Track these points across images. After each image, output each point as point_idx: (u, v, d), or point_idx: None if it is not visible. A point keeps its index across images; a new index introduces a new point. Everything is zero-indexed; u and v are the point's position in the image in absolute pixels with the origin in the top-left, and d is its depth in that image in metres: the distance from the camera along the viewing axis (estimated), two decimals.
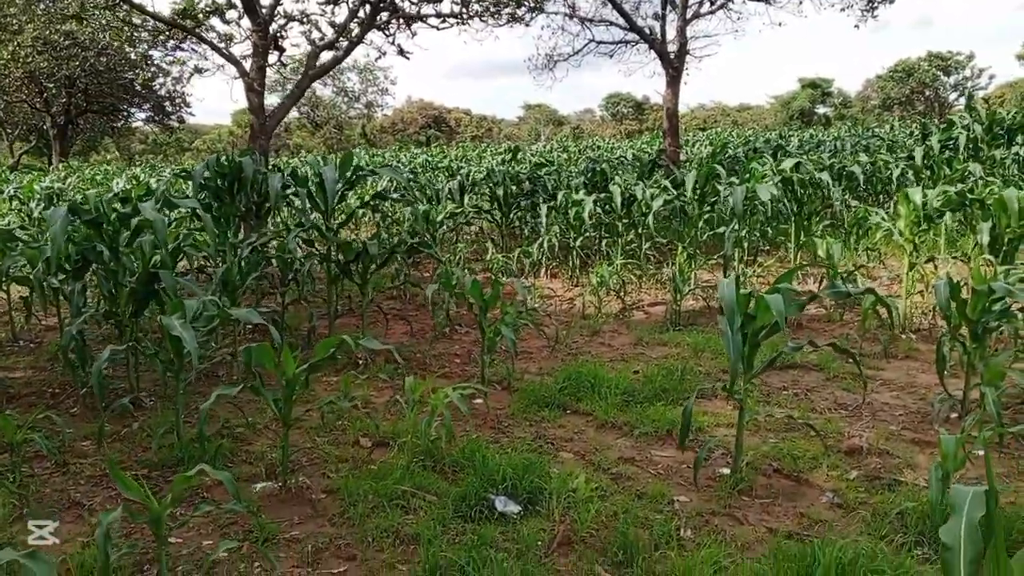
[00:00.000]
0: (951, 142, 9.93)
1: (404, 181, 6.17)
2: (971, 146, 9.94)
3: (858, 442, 3.91)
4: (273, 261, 5.94)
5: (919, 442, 3.98)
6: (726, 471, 3.68)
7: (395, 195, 7.14)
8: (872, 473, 3.63)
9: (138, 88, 29.59)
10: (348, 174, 5.41)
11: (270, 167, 7.69)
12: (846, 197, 8.44)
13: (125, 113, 32.98)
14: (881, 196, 10.42)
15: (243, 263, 5.53)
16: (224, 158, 6.36)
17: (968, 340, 4.07)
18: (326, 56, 10.09)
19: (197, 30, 9.40)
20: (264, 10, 9.21)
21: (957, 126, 10.25)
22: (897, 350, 5.48)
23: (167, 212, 5.95)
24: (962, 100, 43.91)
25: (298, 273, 5.94)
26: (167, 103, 30.90)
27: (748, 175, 7.32)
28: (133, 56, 26.84)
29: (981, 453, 3.78)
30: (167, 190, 7.08)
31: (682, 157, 15.57)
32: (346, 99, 58.79)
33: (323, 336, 6.12)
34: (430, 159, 19.25)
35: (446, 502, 3.41)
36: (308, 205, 5.48)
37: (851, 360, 3.50)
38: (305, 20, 10.55)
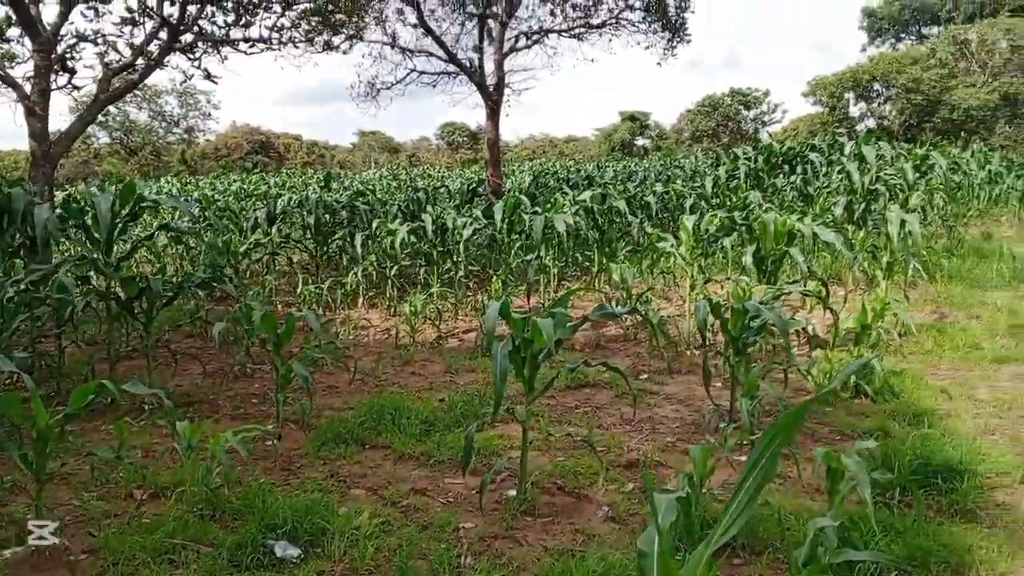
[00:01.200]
0: (736, 172, 10.94)
1: (189, 212, 5.85)
2: (752, 176, 11.00)
3: (636, 455, 4.15)
4: (48, 300, 5.44)
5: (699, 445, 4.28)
6: (513, 493, 3.77)
7: (184, 227, 6.74)
8: (646, 485, 3.86)
9: None
10: (129, 205, 5.06)
11: (47, 198, 7.05)
12: (643, 224, 9.05)
13: None
14: (677, 223, 11.28)
15: (9, 303, 5.01)
16: None
17: (732, 355, 4.45)
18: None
19: None
20: (48, 29, 8.49)
21: (740, 158, 11.32)
22: (681, 365, 5.89)
23: None
24: (763, 133, 48.66)
25: (74, 313, 5.46)
26: None
27: (550, 205, 7.68)
28: None
29: (743, 459, 4.15)
30: None
31: (508, 186, 16.05)
32: (164, 124, 55.41)
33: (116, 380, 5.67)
34: (245, 186, 18.48)
35: (221, 552, 3.24)
36: (84, 239, 5.06)
37: (624, 378, 3.71)
38: (100, 41, 9.85)
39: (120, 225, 5.12)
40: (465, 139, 62.80)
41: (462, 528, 3.46)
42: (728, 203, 9.26)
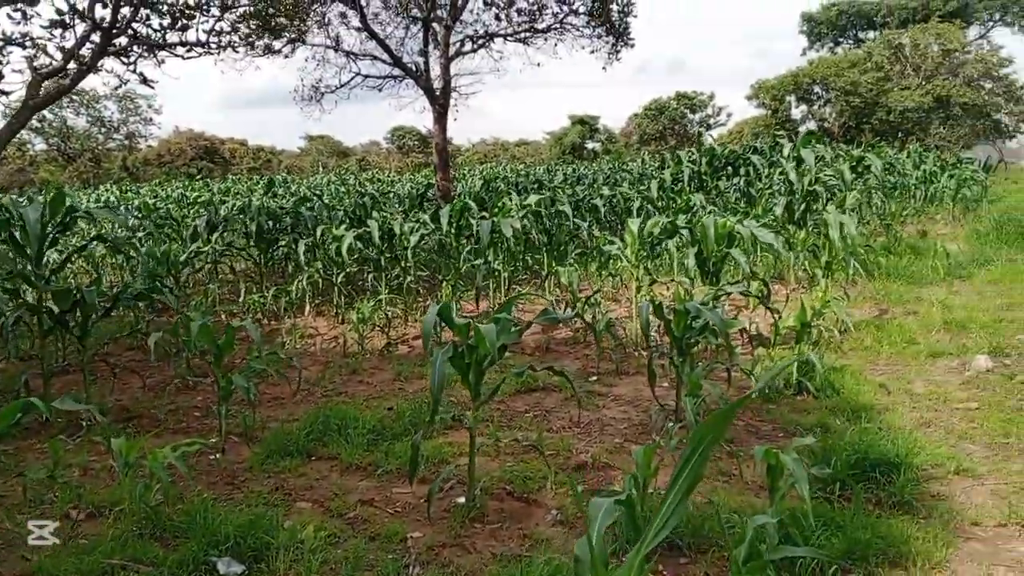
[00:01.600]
0: (681, 175, 11.12)
1: (123, 222, 5.68)
2: (696, 179, 11.19)
3: (584, 458, 4.17)
4: None
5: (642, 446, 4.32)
6: (462, 500, 3.75)
7: (119, 237, 6.54)
8: (594, 486, 3.88)
9: None
10: (60, 216, 4.88)
11: None
12: (591, 228, 9.12)
13: None
14: (624, 226, 11.41)
15: None
16: None
17: (676, 355, 4.51)
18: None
19: None
20: None
21: (684, 161, 11.51)
22: (629, 367, 5.95)
23: None
24: (707, 136, 49.50)
25: (5, 327, 5.26)
26: None
27: (498, 210, 7.68)
28: None
29: None
30: None
31: (459, 190, 15.99)
32: (103, 130, 53.74)
33: (52, 396, 5.46)
34: (187, 194, 18.04)
35: (163, 571, 3.15)
36: (13, 250, 4.87)
37: (569, 382, 3.73)
38: (29, 44, 9.50)
39: (51, 236, 4.94)
40: (416, 143, 62.45)
41: (410, 538, 3.43)
42: (672, 206, 9.39)
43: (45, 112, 51.48)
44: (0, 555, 3.43)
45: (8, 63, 9.28)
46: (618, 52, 15.45)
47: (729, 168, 12.51)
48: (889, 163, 15.84)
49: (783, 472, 2.83)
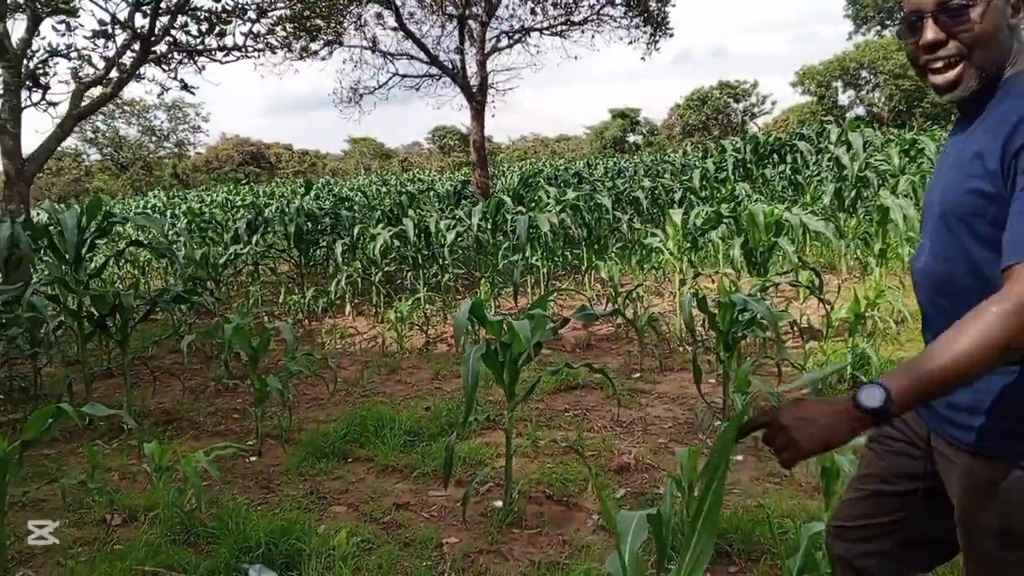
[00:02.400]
0: (724, 164, 10.81)
1: (159, 228, 5.71)
2: (741, 167, 10.87)
3: (627, 459, 4.00)
4: (21, 321, 5.28)
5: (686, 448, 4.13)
6: (499, 503, 3.62)
7: (155, 241, 6.59)
8: (637, 489, 3.71)
9: None
10: (96, 222, 4.90)
11: (22, 217, 6.89)
12: (632, 221, 8.90)
13: None
14: (665, 218, 11.13)
15: None
16: None
17: (722, 350, 4.31)
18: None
19: None
20: (16, 45, 8.33)
21: (728, 150, 11.19)
22: (673, 363, 5.75)
23: None
24: (752, 125, 48.54)
25: (48, 333, 5.31)
26: None
27: (534, 204, 7.53)
28: None
29: (740, 458, 4.00)
30: None
31: (498, 187, 15.90)
32: (154, 138, 55.33)
33: (94, 400, 5.52)
34: (230, 198, 18.31)
35: None
36: (53, 257, 4.91)
37: (608, 379, 3.57)
38: (74, 55, 9.69)
39: (88, 241, 4.97)
40: (456, 142, 62.65)
41: (445, 544, 3.31)
42: (716, 196, 9.12)
43: (99, 123, 53.16)
44: (37, 560, 3.42)
45: (55, 75, 9.49)
46: (657, 42, 15.15)
47: (775, 155, 12.15)
48: (943, 146, 15.18)
49: (838, 474, 2.64)
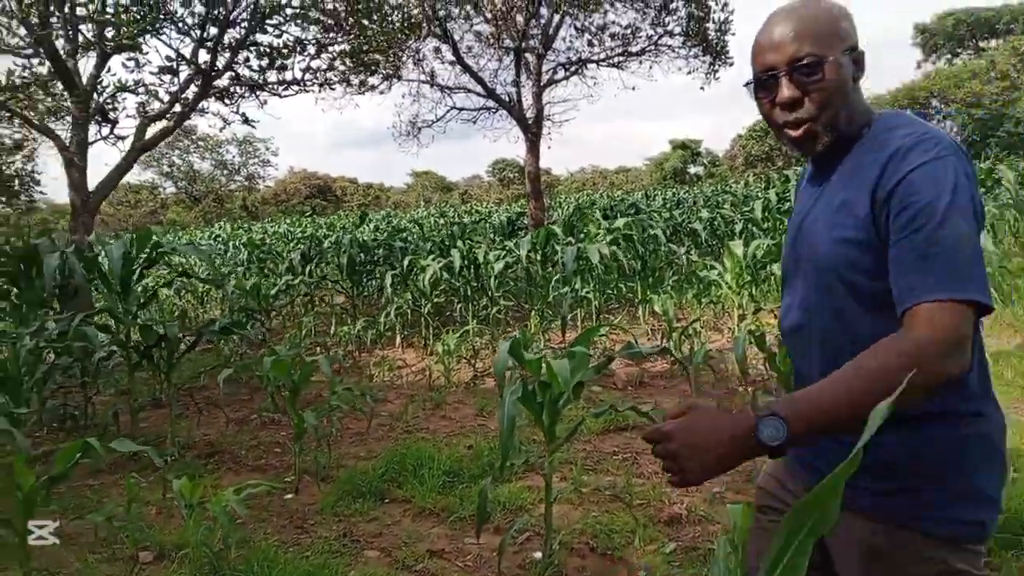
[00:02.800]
0: (787, 195, 10.42)
1: (207, 259, 5.73)
2: None
3: (678, 509, 3.73)
4: (72, 350, 5.34)
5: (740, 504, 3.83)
6: (538, 555, 3.39)
7: (207, 273, 6.63)
8: (689, 544, 3.43)
9: None
10: (145, 252, 4.93)
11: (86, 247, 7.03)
12: (689, 252, 8.59)
13: None
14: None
15: (31, 354, 4.91)
16: (21, 240, 5.78)
17: (783, 392, 4.01)
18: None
19: (9, 102, 8.69)
20: (84, 80, 8.64)
21: (791, 180, 10.80)
22: (732, 404, 5.43)
23: None
24: None
25: (99, 363, 5.35)
26: (14, 182, 28.77)
27: (584, 235, 7.34)
28: None
29: None
30: None
31: (554, 218, 15.77)
32: (226, 172, 57.53)
33: (140, 430, 5.52)
34: (291, 229, 18.65)
35: None
36: (103, 287, 4.95)
37: (653, 422, 3.32)
38: (142, 91, 10.02)
39: (138, 272, 4.99)
40: (516, 174, 63.03)
41: None
42: (779, 227, 8.76)
43: (175, 157, 55.43)
44: None
45: (124, 109, 9.82)
46: (716, 71, 14.90)
47: None
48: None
49: None
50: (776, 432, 1.18)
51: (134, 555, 3.73)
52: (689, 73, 15.31)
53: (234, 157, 56.59)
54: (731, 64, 14.78)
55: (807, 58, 1.38)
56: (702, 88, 15.49)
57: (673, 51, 14.84)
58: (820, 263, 1.43)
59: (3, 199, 29.69)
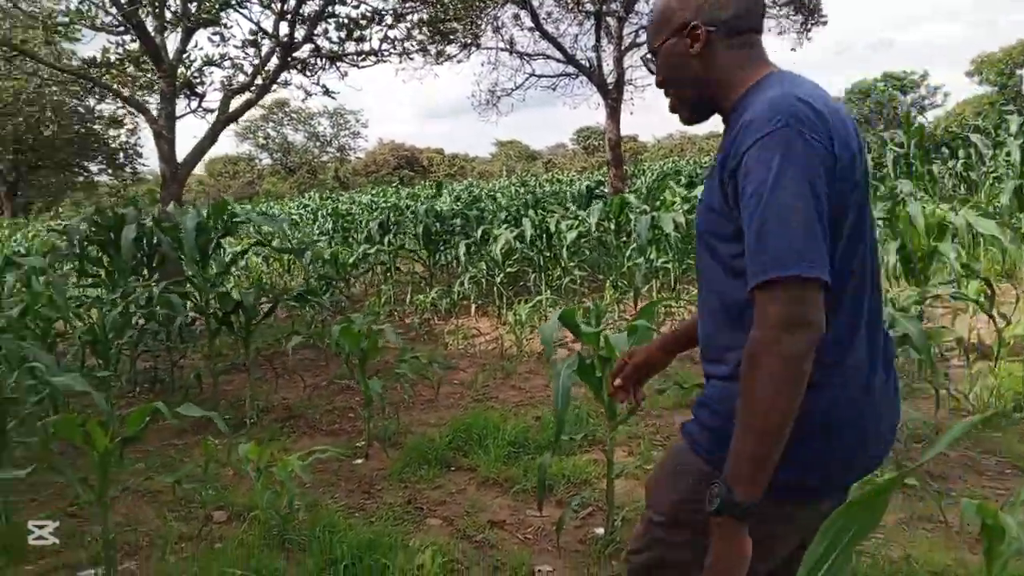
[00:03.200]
0: (884, 160, 9.79)
1: (279, 229, 5.84)
2: (902, 163, 9.81)
3: None
4: (157, 315, 5.58)
5: None
6: (600, 531, 3.32)
7: (283, 242, 6.78)
8: None
9: (92, 142, 29.20)
10: (222, 222, 5.06)
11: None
12: None
13: (77, 169, 32.45)
14: None
15: (119, 318, 5.15)
16: (109, 211, 6.05)
17: None
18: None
19: (104, 78, 9.09)
20: (170, 55, 8.92)
21: (888, 144, 10.14)
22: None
23: None
24: (920, 118, 44.53)
25: (181, 328, 5.57)
26: (119, 155, 30.45)
27: (659, 203, 7.09)
28: (82, 110, 26.57)
29: None
30: (30, 248, 6.68)
31: (637, 186, 15.43)
32: (318, 144, 59.19)
33: (222, 393, 5.74)
34: (375, 199, 18.96)
35: None
36: (181, 256, 5.12)
37: None
38: (227, 64, 10.29)
39: (215, 241, 5.14)
40: (600, 142, 61.93)
41: (536, 572, 3.06)
42: (875, 194, 8.24)
43: (269, 130, 57.26)
44: (143, 553, 3.49)
45: (211, 83, 10.12)
46: (808, 30, 14.11)
47: (945, 150, 10.90)
48: None
49: (1003, 534, 2.12)
50: (719, 490, 1.26)
51: (208, 514, 3.87)
52: (780, 34, 14.58)
53: (326, 129, 58.13)
54: (824, 23, 13.97)
55: (649, 52, 1.59)
56: (793, 50, 14.69)
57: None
58: (698, 228, 1.52)
59: (110, 171, 31.51)
